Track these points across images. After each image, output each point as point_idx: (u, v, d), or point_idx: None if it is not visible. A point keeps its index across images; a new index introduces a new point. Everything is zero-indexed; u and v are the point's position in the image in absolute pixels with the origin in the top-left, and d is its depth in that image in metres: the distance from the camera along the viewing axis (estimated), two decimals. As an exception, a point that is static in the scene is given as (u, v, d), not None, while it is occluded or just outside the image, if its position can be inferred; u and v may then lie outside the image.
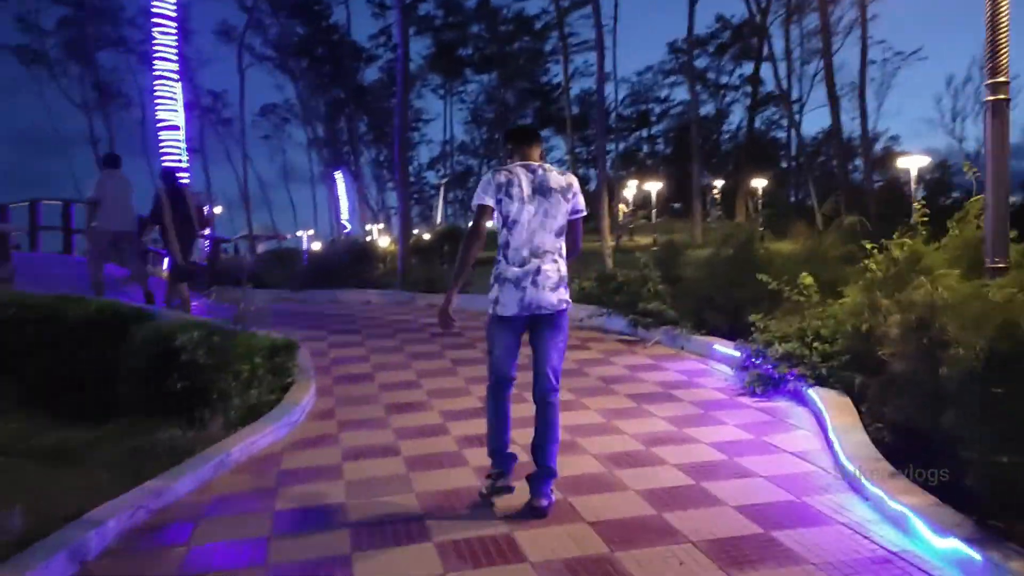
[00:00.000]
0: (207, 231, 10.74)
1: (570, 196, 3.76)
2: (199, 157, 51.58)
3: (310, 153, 54.40)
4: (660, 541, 3.37)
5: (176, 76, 13.82)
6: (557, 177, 3.77)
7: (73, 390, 8.08)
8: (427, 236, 31.73)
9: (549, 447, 3.76)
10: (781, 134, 53.48)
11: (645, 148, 65.17)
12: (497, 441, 3.88)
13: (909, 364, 3.86)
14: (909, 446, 3.97)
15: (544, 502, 3.69)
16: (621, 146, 65.95)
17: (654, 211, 20.28)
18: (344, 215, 47.96)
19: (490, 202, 3.69)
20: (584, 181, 42.61)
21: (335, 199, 47.92)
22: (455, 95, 58.96)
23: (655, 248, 19.32)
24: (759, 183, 27.85)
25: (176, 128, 13.83)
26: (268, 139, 58.73)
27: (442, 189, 56.38)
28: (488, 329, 3.86)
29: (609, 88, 71.06)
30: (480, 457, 4.51)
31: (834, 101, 27.73)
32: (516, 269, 3.67)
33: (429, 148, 60.69)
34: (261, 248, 46.89)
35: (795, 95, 48.60)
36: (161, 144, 13.74)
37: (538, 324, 3.76)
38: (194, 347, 6.59)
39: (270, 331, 7.30)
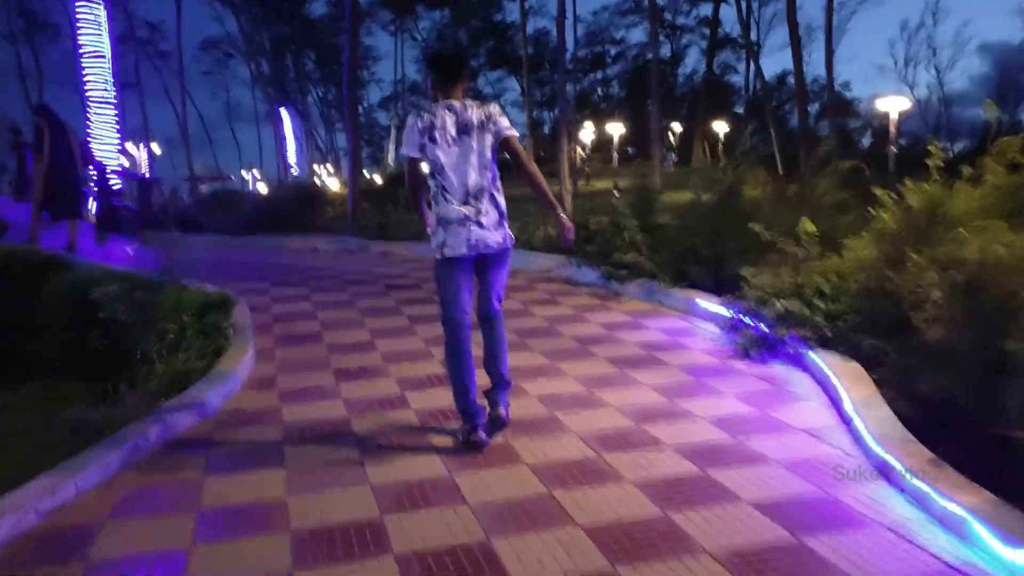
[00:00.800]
0: (91, 168, 10.49)
1: (491, 126, 3.69)
2: (135, 92, 49.21)
3: (255, 91, 52.07)
4: (671, 553, 2.77)
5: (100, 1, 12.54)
6: (477, 112, 3.69)
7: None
8: (379, 179, 30.62)
9: (501, 356, 3.88)
10: (736, 79, 53.07)
11: (600, 91, 64.19)
12: (465, 398, 3.75)
13: (956, 332, 3.29)
14: (945, 426, 3.43)
15: (503, 411, 3.83)
16: (576, 88, 65.04)
17: (615, 154, 19.60)
18: (291, 156, 46.26)
19: (415, 152, 3.65)
20: (539, 124, 41.72)
21: (281, 139, 46.10)
22: (406, 32, 56.88)
23: (618, 193, 18.82)
24: (720, 127, 27.16)
25: (101, 56, 12.58)
26: (210, 75, 56.06)
27: (393, 130, 54.67)
28: (436, 273, 3.79)
29: (566, 27, 69.86)
30: (447, 440, 3.88)
31: (796, 39, 27.21)
32: (457, 208, 3.63)
33: (380, 88, 58.77)
34: (204, 189, 45.18)
35: (752, 39, 48.14)
36: (85, 73, 12.50)
37: (484, 263, 3.77)
38: (114, 302, 5.81)
39: (203, 284, 6.51)
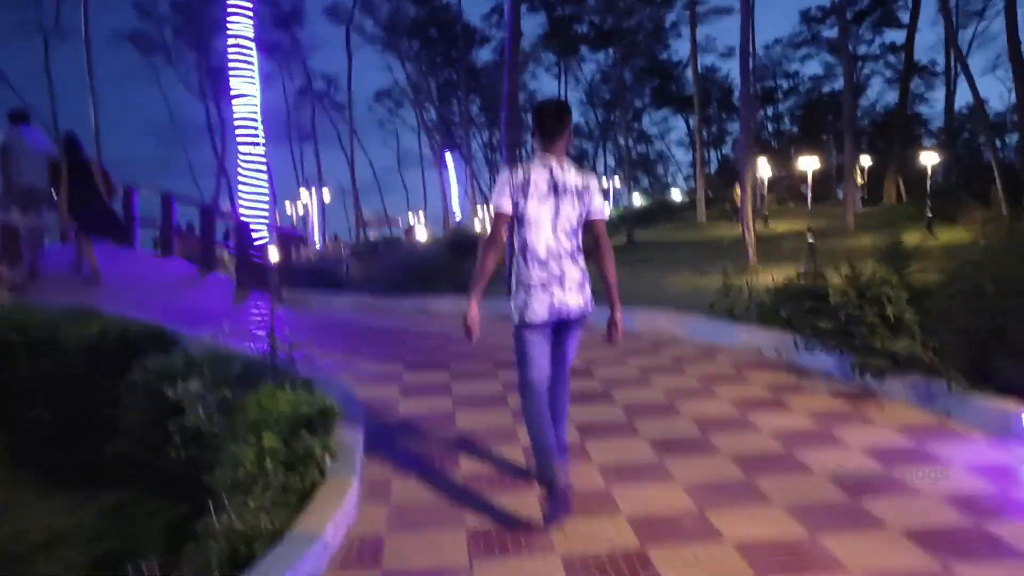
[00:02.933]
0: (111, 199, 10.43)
1: (587, 198, 3.57)
2: (311, 143, 51.32)
3: (421, 137, 52.87)
4: None
5: (252, 39, 11.91)
6: (575, 176, 3.57)
7: (69, 439, 6.16)
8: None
9: (562, 423, 3.73)
10: (923, 109, 48.17)
11: (771, 127, 60.65)
12: (551, 465, 3.43)
13: None
14: None
15: (564, 478, 3.44)
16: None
17: (809, 194, 17.21)
18: (454, 201, 46.26)
19: (507, 208, 3.51)
20: (705, 163, 39.19)
21: (446, 183, 46.21)
22: (569, 74, 56.14)
23: (812, 237, 16.22)
24: (928, 159, 23.70)
25: (253, 102, 11.91)
26: (383, 125, 57.80)
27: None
28: (517, 339, 3.60)
29: (731, 63, 67.03)
30: None
31: (1018, 60, 23.50)
32: (540, 272, 3.51)
33: (543, 130, 58.12)
34: (373, 235, 45.89)
35: (943, 65, 43.55)
36: (235, 117, 11.84)
37: (563, 329, 3.63)
38: (194, 404, 4.42)
39: (311, 377, 5.03)
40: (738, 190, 37.98)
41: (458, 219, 46.07)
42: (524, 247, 3.52)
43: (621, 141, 59.29)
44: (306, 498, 3.49)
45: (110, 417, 5.51)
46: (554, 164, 3.51)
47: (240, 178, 11.98)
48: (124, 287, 9.18)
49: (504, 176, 3.55)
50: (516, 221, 3.51)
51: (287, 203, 47.63)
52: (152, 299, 8.72)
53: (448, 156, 46.95)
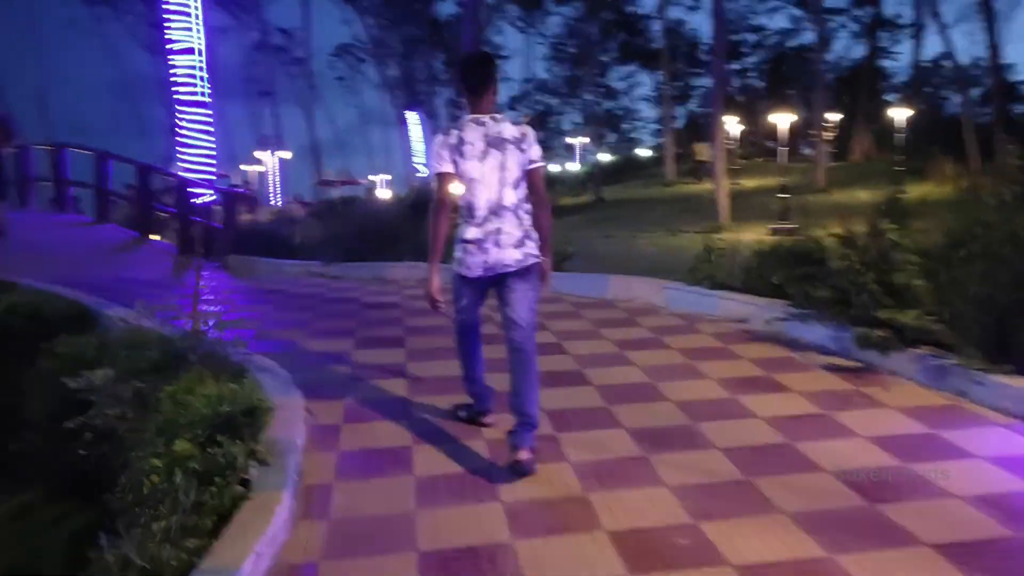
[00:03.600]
0: (11, 147, 9.27)
1: (524, 147, 3.59)
2: (269, 100, 49.56)
3: (383, 94, 51.33)
4: None
5: (192, -14, 10.96)
6: (511, 128, 3.59)
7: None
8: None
9: (528, 394, 3.55)
10: (888, 63, 47.72)
11: (736, 82, 60.05)
12: (473, 384, 3.98)
13: None
14: None
15: (524, 454, 3.43)
16: (710, 81, 60.91)
17: (781, 149, 16.60)
18: (418, 159, 45.12)
19: (448, 168, 3.56)
20: (673, 119, 38.49)
21: (407, 142, 45.04)
22: (535, 28, 54.84)
23: (784, 194, 15.66)
24: (901, 114, 23.27)
25: (191, 52, 11.01)
26: (343, 81, 56.09)
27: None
28: (453, 285, 3.77)
29: (699, 18, 66.04)
30: None
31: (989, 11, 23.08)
32: (476, 230, 3.58)
33: (508, 86, 56.86)
34: (336, 194, 44.69)
35: (907, 18, 43.19)
36: (173, 70, 10.95)
37: (503, 279, 3.64)
38: (100, 398, 3.78)
39: (245, 357, 4.40)
40: (698, 147, 37.53)
41: (423, 176, 45.05)
42: (468, 205, 3.58)
43: (588, 97, 58.53)
44: (225, 519, 2.89)
45: (14, 407, 4.85)
46: (487, 120, 3.53)
47: (182, 137, 11.13)
48: (47, 256, 8.40)
49: (438, 139, 3.60)
50: (460, 179, 3.55)
51: (243, 165, 46.07)
52: (79, 270, 7.97)
53: (410, 114, 45.69)
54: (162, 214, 10.81)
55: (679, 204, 23.34)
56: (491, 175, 3.53)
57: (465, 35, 13.62)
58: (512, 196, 3.57)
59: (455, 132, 3.54)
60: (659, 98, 59.63)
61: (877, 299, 4.62)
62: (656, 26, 53.53)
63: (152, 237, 10.53)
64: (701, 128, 58.83)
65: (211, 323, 4.48)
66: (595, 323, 6.20)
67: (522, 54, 56.06)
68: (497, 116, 3.57)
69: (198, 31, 11.10)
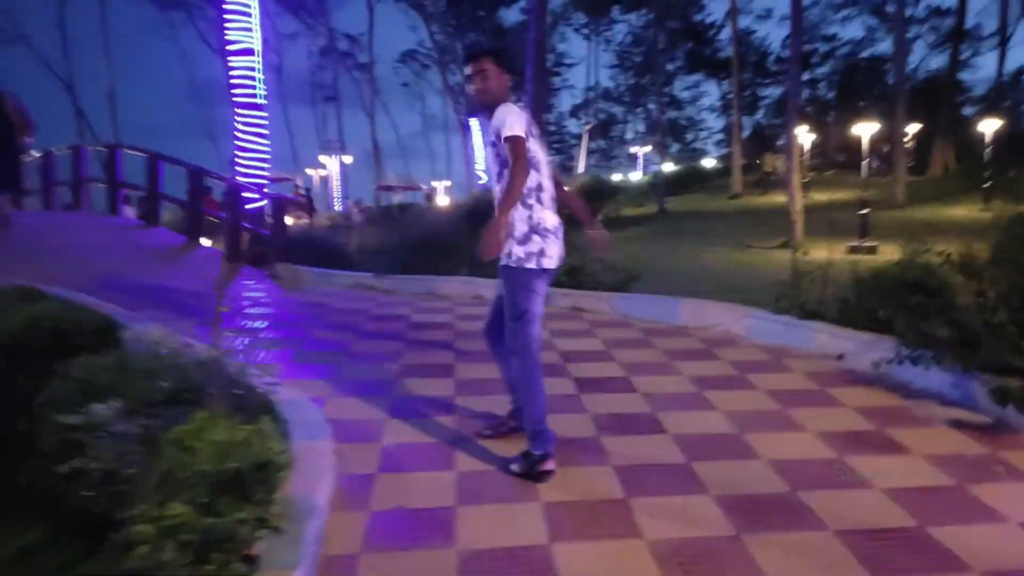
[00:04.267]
0: (30, 139, 8.79)
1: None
2: (334, 105, 49.96)
3: (446, 100, 51.25)
4: None
5: (250, -15, 10.66)
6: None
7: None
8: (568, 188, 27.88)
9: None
10: (965, 76, 45.75)
11: (807, 92, 58.37)
12: (543, 406, 3.46)
13: None
14: None
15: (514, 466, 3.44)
16: (778, 92, 59.46)
17: (865, 164, 15.67)
18: (479, 164, 44.82)
19: (529, 138, 3.26)
20: (739, 130, 37.30)
21: (470, 148, 44.79)
22: (600, 35, 54.21)
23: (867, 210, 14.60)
24: (988, 127, 21.88)
25: (251, 52, 10.70)
26: (407, 86, 56.33)
27: (585, 137, 52.16)
28: (526, 288, 3.33)
29: (769, 27, 64.54)
30: None
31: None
32: (554, 217, 3.41)
33: (571, 94, 56.32)
34: (396, 198, 44.68)
35: (992, 27, 41.29)
36: (232, 72, 10.65)
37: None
38: (99, 440, 3.30)
39: (275, 384, 3.89)
40: (770, 158, 36.26)
41: (483, 182, 44.77)
42: (539, 187, 3.36)
43: (652, 106, 57.58)
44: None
45: (28, 435, 4.43)
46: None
47: (237, 140, 10.83)
48: (91, 261, 8.10)
49: (516, 109, 3.28)
50: (530, 162, 3.29)
51: (308, 169, 46.47)
52: (122, 276, 7.64)
53: (473, 121, 45.46)
54: (213, 219, 10.51)
55: (747, 217, 22.40)
56: (547, 161, 3.46)
57: (529, 43, 13.12)
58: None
59: (525, 109, 3.36)
60: (725, 108, 58.62)
61: (1014, 343, 3.87)
62: (725, 34, 52.67)
63: (203, 242, 10.24)
64: (768, 139, 57.55)
65: (242, 343, 3.97)
66: (667, 354, 5.54)
67: (586, 62, 55.35)
68: None
69: (257, 31, 10.78)
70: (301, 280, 8.42)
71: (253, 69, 10.68)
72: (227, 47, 10.63)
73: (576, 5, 48.07)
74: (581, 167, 49.49)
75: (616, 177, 45.97)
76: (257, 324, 6.41)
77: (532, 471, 3.37)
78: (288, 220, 16.49)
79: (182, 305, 6.84)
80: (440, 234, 9.49)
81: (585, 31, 52.19)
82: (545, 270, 3.36)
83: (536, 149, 3.34)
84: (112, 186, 11.43)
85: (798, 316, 5.66)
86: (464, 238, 9.09)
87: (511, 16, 49.01)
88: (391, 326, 6.60)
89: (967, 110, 47.45)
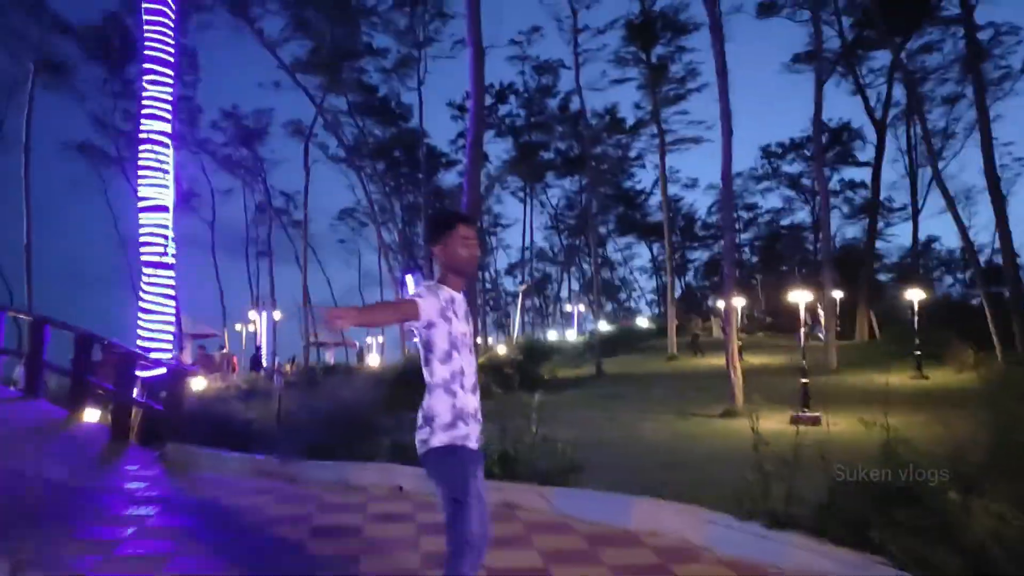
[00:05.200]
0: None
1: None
2: (266, 261, 49.37)
3: (381, 257, 51.27)
4: None
5: (168, 141, 10.10)
6: (463, 301, 3.31)
7: None
8: (502, 350, 27.34)
9: None
10: (879, 244, 48.37)
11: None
12: None
13: None
14: None
15: None
16: (705, 255, 61.65)
17: (813, 326, 15.64)
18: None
19: (433, 317, 3.13)
20: (663, 290, 37.92)
21: (405, 306, 44.19)
22: (535, 198, 55.80)
23: (805, 380, 14.13)
24: (915, 295, 22.38)
25: (163, 209, 9.98)
26: (344, 243, 56.45)
27: (520, 297, 52.47)
28: (448, 468, 3.09)
29: (695, 194, 67.75)
30: None
31: (997, 195, 22.76)
32: (473, 398, 3.23)
33: (508, 254, 57.23)
34: (330, 356, 43.31)
35: (902, 201, 44.14)
36: (141, 228, 9.87)
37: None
38: None
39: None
40: (698, 321, 36.56)
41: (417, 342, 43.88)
42: (461, 373, 3.20)
43: (586, 266, 58.71)
44: None
45: None
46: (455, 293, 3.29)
47: (142, 301, 9.90)
48: None
49: (430, 285, 3.21)
50: (450, 342, 3.17)
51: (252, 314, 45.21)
52: None
53: (409, 278, 45.26)
54: (99, 390, 9.34)
55: (684, 381, 21.94)
56: (470, 343, 3.27)
57: (465, 205, 12.85)
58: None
59: (446, 290, 3.21)
60: (656, 269, 60.20)
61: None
62: (654, 200, 54.80)
63: (87, 415, 9.02)
64: (698, 300, 58.94)
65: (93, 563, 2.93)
66: (616, 572, 4.61)
67: (522, 223, 56.66)
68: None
69: (171, 188, 10.13)
70: (191, 463, 7.29)
71: (164, 227, 9.93)
72: (139, 203, 9.90)
73: (512, 171, 49.66)
74: (516, 326, 49.39)
75: (552, 336, 45.84)
76: (122, 532, 5.25)
77: None
78: (201, 382, 15.25)
79: (38, 505, 5.66)
80: (358, 407, 8.51)
81: (521, 194, 53.66)
82: (470, 450, 3.16)
83: (456, 331, 3.18)
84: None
85: (766, 523, 4.84)
86: (385, 410, 8.16)
87: (449, 179, 50.23)
88: (285, 534, 5.44)
89: (882, 276, 49.72)
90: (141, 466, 7.42)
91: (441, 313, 3.12)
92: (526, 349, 25.63)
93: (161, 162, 10.04)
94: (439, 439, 3.11)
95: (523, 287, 52.84)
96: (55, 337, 9.66)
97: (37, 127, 32.08)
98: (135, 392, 8.42)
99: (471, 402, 3.20)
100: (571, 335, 46.71)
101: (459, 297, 3.24)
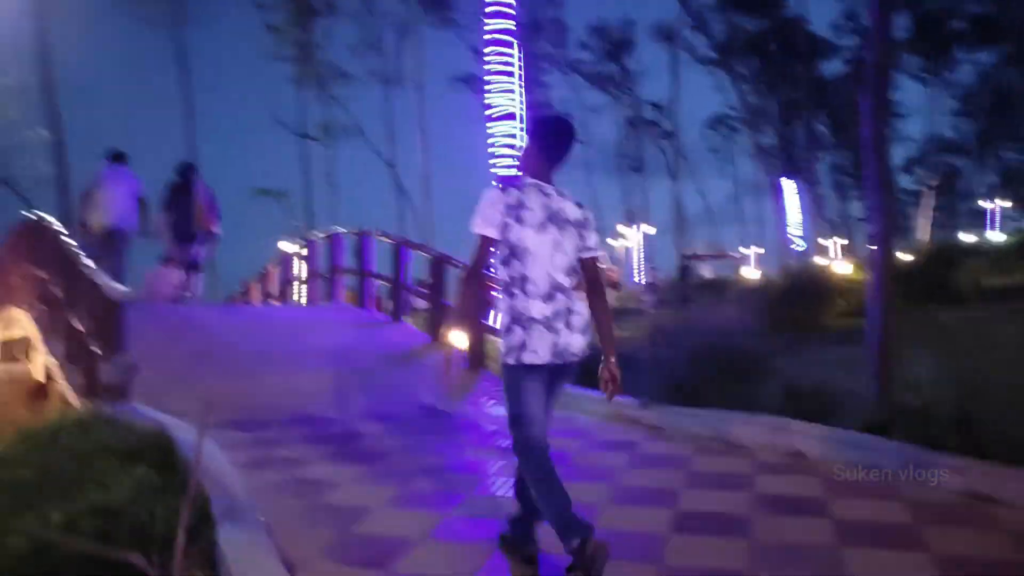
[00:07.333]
0: (215, 228, 9.71)
1: (584, 232, 3.15)
2: (639, 176, 48.94)
3: (758, 163, 47.77)
4: None
5: (512, 40, 9.28)
6: (574, 208, 3.15)
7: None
8: (905, 256, 23.44)
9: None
10: None
11: None
12: (567, 505, 2.86)
13: None
14: None
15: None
16: None
17: None
18: (792, 229, 40.62)
19: (493, 233, 3.01)
20: None
21: (782, 212, 40.88)
22: (939, 78, 47.30)
23: None
24: None
25: (511, 117, 9.25)
26: (717, 152, 53.83)
27: (927, 196, 45.35)
28: (510, 385, 3.05)
29: None
30: None
31: None
32: (543, 305, 3.02)
33: (906, 147, 49.63)
34: (706, 269, 41.81)
35: None
36: (490, 139, 9.28)
37: (558, 374, 3.10)
38: None
39: None
40: None
41: (799, 248, 40.45)
42: (522, 278, 3.04)
43: (1008, 154, 48.93)
44: None
45: None
46: (552, 192, 3.11)
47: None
48: (321, 369, 7.03)
49: (491, 195, 3.05)
50: (511, 249, 3.02)
51: (609, 240, 45.64)
52: (341, 392, 6.38)
53: (787, 182, 41.62)
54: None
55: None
56: (546, 250, 3.03)
57: (863, 98, 10.14)
58: (566, 280, 3.10)
59: (515, 192, 3.04)
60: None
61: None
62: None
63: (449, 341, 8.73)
64: None
65: None
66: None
67: (921, 111, 48.59)
68: (563, 191, 3.15)
69: (519, 94, 9.34)
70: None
71: (513, 136, 9.22)
72: (487, 111, 9.32)
73: (911, 50, 42.43)
74: (925, 231, 42.91)
75: (967, 238, 39.00)
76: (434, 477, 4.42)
77: (586, 561, 2.70)
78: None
79: (388, 447, 5.16)
80: (737, 338, 6.87)
81: (922, 76, 45.88)
82: (530, 366, 2.97)
83: (529, 237, 3.00)
84: (361, 276, 10.54)
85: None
86: (773, 347, 6.43)
87: (830, 68, 44.68)
88: (641, 516, 4.11)
89: None
90: (490, 398, 6.81)
91: (505, 215, 2.98)
92: (934, 254, 21.60)
93: (507, 63, 9.30)
94: (502, 351, 3.05)
95: (932, 185, 45.51)
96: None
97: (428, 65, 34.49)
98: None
99: (535, 307, 2.98)
100: (993, 236, 39.34)
101: (541, 200, 3.03)
